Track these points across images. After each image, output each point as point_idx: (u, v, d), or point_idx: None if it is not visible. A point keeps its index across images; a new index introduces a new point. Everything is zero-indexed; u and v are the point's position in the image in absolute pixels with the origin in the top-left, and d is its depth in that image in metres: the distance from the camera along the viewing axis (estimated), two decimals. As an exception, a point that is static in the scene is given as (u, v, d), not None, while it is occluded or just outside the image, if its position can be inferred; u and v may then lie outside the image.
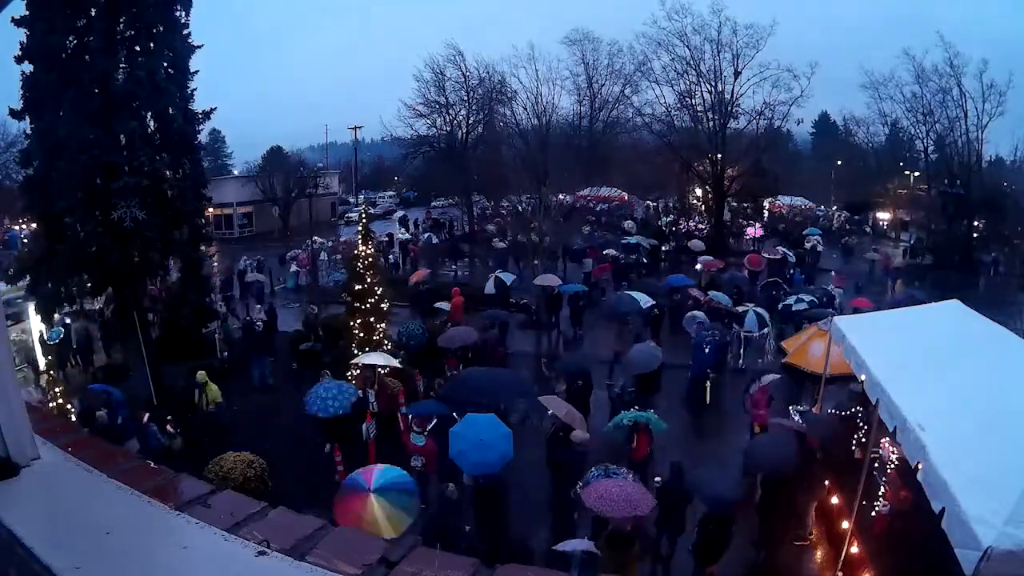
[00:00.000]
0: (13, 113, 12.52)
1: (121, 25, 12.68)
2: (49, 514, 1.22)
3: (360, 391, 9.29)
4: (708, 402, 11.37)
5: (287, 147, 40.49)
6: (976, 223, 25.71)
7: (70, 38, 12.26)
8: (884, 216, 32.79)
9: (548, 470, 8.13)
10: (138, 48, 12.95)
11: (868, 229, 32.45)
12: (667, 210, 34.00)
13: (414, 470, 7.90)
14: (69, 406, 9.61)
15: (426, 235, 28.04)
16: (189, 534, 1.15)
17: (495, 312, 14.34)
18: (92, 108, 12.06)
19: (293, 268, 21.73)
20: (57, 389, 10.04)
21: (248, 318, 14.59)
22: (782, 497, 7.05)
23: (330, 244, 25.16)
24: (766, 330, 13.58)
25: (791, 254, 22.29)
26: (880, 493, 6.62)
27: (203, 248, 14.78)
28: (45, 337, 13.27)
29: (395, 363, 10.13)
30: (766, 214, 31.65)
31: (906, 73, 26.45)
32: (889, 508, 6.54)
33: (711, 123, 29.10)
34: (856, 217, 33.49)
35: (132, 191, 12.15)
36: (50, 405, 9.36)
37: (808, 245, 24.81)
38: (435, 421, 8.19)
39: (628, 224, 28.74)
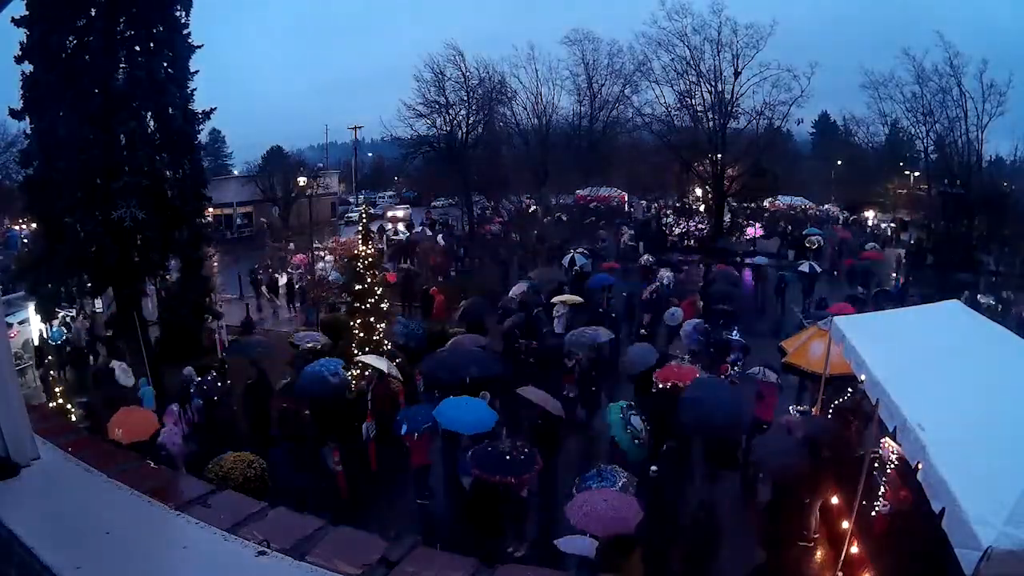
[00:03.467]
0: (13, 113, 12.53)
1: (121, 25, 12.69)
2: (49, 514, 1.22)
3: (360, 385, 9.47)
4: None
5: (287, 147, 40.54)
6: (976, 223, 25.70)
7: (70, 38, 12.27)
8: (884, 216, 32.81)
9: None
10: (138, 48, 12.96)
11: (867, 229, 32.47)
12: (667, 210, 33.96)
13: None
14: (69, 406, 9.63)
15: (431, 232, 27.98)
16: (189, 534, 1.15)
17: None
18: (92, 108, 12.07)
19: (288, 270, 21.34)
20: (57, 389, 10.06)
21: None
22: (792, 498, 7.05)
23: (330, 243, 25.04)
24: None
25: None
26: (880, 493, 6.62)
27: (205, 248, 14.82)
28: (46, 337, 13.27)
29: (390, 369, 9.90)
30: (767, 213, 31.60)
31: (906, 73, 26.47)
32: (889, 508, 6.54)
33: (711, 123, 29.10)
34: (855, 217, 33.49)
35: (132, 191, 12.16)
36: (49, 405, 9.37)
37: (813, 246, 24.75)
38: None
39: (626, 232, 28.58)
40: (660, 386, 9.25)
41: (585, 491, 6.21)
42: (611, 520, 5.65)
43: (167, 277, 14.53)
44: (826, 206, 34.95)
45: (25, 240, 23.10)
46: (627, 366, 10.82)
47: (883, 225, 31.89)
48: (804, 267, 18.74)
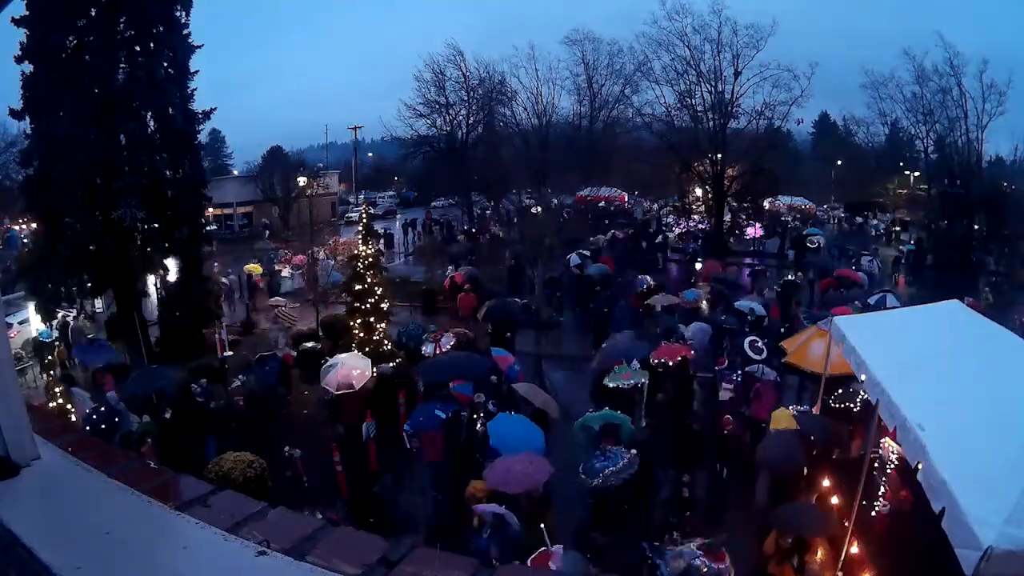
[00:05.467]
0: (13, 113, 12.53)
1: (121, 25, 12.70)
2: (49, 514, 1.22)
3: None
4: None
5: (287, 147, 40.57)
6: (976, 223, 25.68)
7: (70, 38, 12.28)
8: (883, 217, 32.79)
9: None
10: (138, 48, 12.97)
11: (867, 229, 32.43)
12: (667, 209, 33.93)
13: (411, 451, 8.27)
14: (69, 406, 9.60)
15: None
16: (189, 534, 1.15)
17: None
18: (92, 108, 12.08)
19: (286, 271, 20.84)
20: (57, 389, 10.03)
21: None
22: (791, 497, 7.05)
23: (330, 243, 24.91)
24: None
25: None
26: (880, 493, 6.62)
27: (206, 247, 14.84)
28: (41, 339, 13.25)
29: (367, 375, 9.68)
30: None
31: (906, 73, 26.44)
32: (889, 508, 6.53)
33: (711, 123, 29.07)
34: (855, 218, 33.47)
35: (132, 191, 12.17)
36: (49, 405, 9.35)
37: (813, 246, 24.70)
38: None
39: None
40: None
41: (498, 461, 6.70)
42: (524, 478, 6.32)
43: (167, 277, 14.54)
44: (826, 206, 34.94)
45: (25, 240, 23.06)
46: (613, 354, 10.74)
47: (882, 227, 31.86)
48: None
